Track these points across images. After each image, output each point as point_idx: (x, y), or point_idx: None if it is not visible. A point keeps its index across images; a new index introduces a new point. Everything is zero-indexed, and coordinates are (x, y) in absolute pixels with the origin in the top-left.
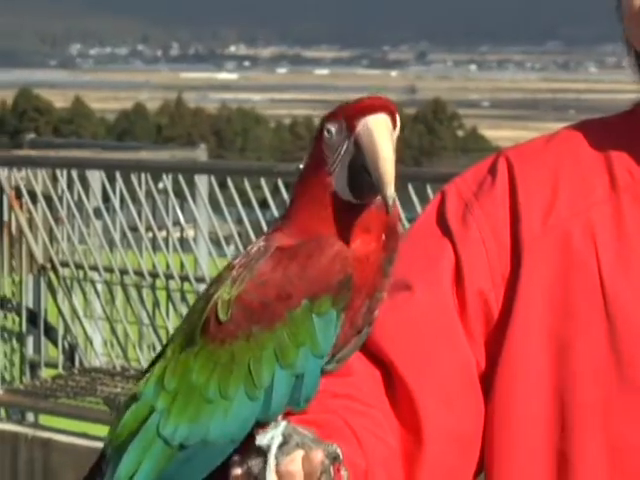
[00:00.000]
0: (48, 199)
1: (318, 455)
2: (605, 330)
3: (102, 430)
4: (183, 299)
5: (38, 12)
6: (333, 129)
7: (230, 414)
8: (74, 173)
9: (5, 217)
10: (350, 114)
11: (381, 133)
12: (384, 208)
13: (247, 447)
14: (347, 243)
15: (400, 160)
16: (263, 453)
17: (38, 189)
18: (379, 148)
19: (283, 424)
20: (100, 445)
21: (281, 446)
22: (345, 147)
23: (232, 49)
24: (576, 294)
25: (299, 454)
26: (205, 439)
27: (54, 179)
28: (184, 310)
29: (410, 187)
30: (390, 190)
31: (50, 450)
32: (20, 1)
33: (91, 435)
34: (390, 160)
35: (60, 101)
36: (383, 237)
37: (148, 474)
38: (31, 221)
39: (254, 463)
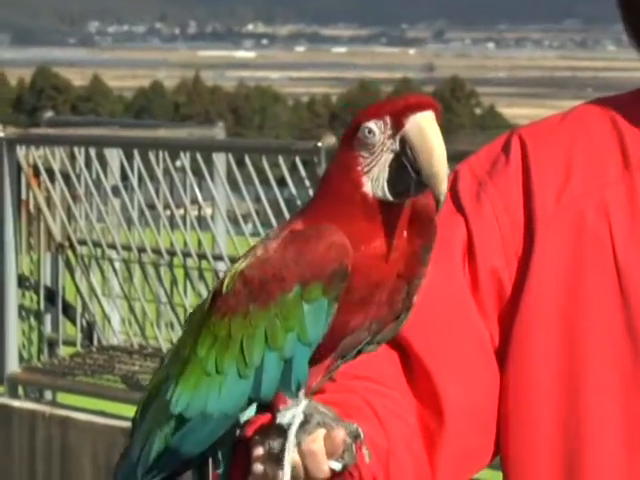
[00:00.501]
0: (66, 177)
1: (340, 434)
2: (620, 308)
3: (120, 408)
4: (201, 277)
5: None
6: (375, 128)
7: (224, 389)
8: (92, 151)
9: (23, 195)
10: (396, 112)
11: (432, 130)
12: (435, 204)
13: (267, 426)
14: (366, 240)
15: None
16: (284, 432)
17: (56, 167)
18: (432, 145)
19: (304, 402)
20: (118, 423)
21: (302, 425)
22: (388, 145)
23: (250, 27)
24: (590, 273)
25: (321, 433)
26: (202, 411)
27: (72, 157)
28: (202, 288)
29: None
30: (444, 187)
31: (68, 428)
32: None
33: (109, 413)
34: (444, 157)
35: (78, 79)
36: (405, 234)
37: (159, 439)
38: (49, 199)
39: (275, 442)
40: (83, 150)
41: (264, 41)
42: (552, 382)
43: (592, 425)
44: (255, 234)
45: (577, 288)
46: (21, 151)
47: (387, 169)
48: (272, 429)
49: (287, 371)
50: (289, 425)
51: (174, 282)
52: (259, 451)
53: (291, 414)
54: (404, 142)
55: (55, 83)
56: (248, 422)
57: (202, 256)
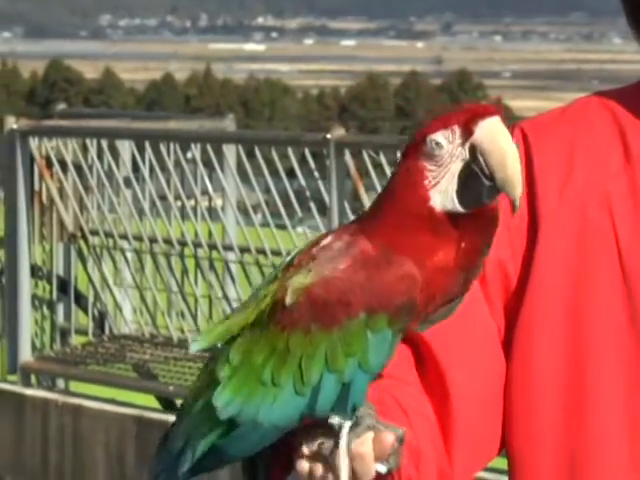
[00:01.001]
0: (78, 168)
1: (389, 438)
2: (624, 299)
3: (131, 396)
4: (211, 267)
5: None
6: (443, 139)
7: (278, 401)
8: (104, 143)
9: (36, 186)
10: (464, 120)
11: (503, 134)
12: (511, 208)
13: (312, 425)
14: (433, 256)
15: None
16: (332, 432)
17: (68, 158)
18: (505, 149)
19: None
20: (129, 411)
21: (352, 427)
22: (457, 155)
23: (260, 20)
24: (594, 265)
25: (370, 436)
26: (253, 420)
27: (84, 149)
28: (212, 278)
29: None
30: (519, 190)
31: (80, 416)
32: None
33: (120, 401)
34: (517, 160)
35: (90, 72)
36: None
37: (201, 438)
38: (61, 190)
39: (324, 443)
40: (95, 142)
41: (274, 34)
42: (557, 373)
43: (596, 415)
44: (265, 224)
45: (581, 280)
46: (34, 142)
47: (456, 179)
48: (319, 428)
49: (344, 394)
50: (340, 426)
51: (185, 272)
52: (305, 451)
53: (340, 418)
54: (474, 149)
55: (67, 76)
56: None
57: (212, 246)
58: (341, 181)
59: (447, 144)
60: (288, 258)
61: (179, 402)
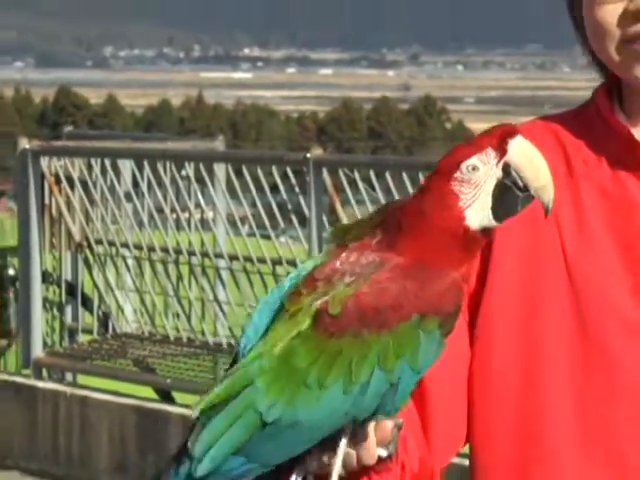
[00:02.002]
0: (84, 184)
1: (389, 425)
2: (572, 301)
3: (132, 388)
4: (203, 273)
5: (74, 18)
6: (479, 163)
7: (323, 403)
8: (107, 161)
9: (46, 200)
10: (496, 142)
11: (533, 149)
12: (545, 212)
13: None
14: (461, 270)
15: (395, 150)
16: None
17: (75, 175)
18: (537, 162)
19: None
20: (130, 401)
21: None
22: (490, 174)
23: (246, 51)
24: (542, 267)
25: (372, 423)
26: (295, 421)
27: (89, 167)
28: (204, 283)
29: (404, 174)
30: (552, 195)
31: (86, 406)
32: (58, 7)
33: (123, 393)
34: (548, 170)
35: (95, 98)
36: None
37: (231, 442)
38: (69, 204)
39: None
40: (99, 160)
41: (259, 64)
42: (513, 366)
43: (549, 412)
44: (251, 234)
45: (532, 282)
46: (44, 161)
47: (491, 196)
48: None
49: (390, 394)
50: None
51: (180, 277)
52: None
53: None
54: (508, 166)
55: (74, 101)
56: None
57: (204, 254)
58: (319, 196)
59: (483, 166)
60: (290, 278)
61: (175, 394)
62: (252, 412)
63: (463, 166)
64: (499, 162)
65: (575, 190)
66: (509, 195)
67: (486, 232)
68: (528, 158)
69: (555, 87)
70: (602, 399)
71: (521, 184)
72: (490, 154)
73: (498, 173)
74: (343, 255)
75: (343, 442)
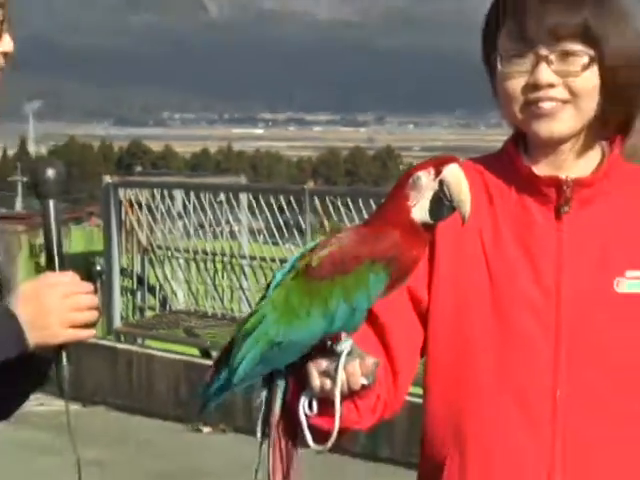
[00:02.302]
0: (149, 207)
1: (370, 362)
2: (489, 284)
3: (183, 349)
4: (232, 268)
5: (140, 90)
6: (423, 176)
7: (309, 326)
8: (165, 191)
9: (122, 218)
10: (437, 165)
11: (461, 173)
12: (461, 220)
13: (323, 354)
14: (409, 246)
15: (365, 183)
16: (336, 357)
17: (143, 201)
18: (463, 183)
19: (350, 341)
20: (182, 357)
21: (348, 354)
22: (430, 186)
23: (261, 115)
24: (470, 262)
25: (357, 361)
26: (292, 339)
27: (152, 195)
28: (232, 276)
29: (372, 201)
30: (469, 209)
31: (151, 361)
32: (128, 82)
33: (176, 351)
34: (468, 190)
35: (156, 147)
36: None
37: (255, 355)
38: (138, 221)
39: (330, 363)
40: (159, 191)
41: (270, 123)
42: (449, 334)
43: (476, 360)
44: (266, 243)
45: (463, 276)
46: (121, 191)
47: (429, 202)
48: (324, 359)
49: (351, 317)
50: (341, 352)
51: (215, 271)
52: (316, 371)
53: (342, 346)
54: (442, 183)
55: (142, 149)
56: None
57: (232, 255)
58: (312, 216)
59: (425, 179)
60: (294, 257)
61: (213, 352)
62: (265, 337)
63: (413, 177)
64: (436, 178)
65: (493, 212)
66: (440, 203)
67: (427, 227)
68: (456, 179)
69: (476, 140)
70: (511, 355)
71: (448, 197)
72: (431, 171)
73: (435, 186)
74: (332, 236)
75: (340, 370)
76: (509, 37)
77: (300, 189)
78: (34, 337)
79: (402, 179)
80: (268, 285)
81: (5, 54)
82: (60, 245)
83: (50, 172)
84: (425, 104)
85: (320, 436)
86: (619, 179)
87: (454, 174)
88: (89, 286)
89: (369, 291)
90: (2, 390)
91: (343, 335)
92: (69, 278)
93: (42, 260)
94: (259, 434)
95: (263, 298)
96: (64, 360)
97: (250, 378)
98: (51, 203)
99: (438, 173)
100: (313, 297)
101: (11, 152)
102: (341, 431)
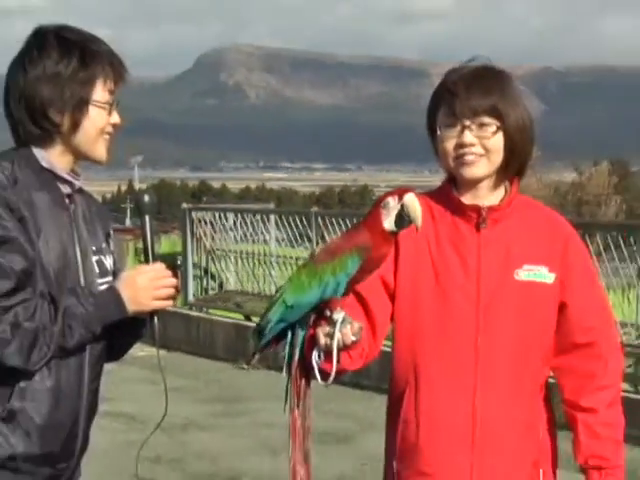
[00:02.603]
0: (211, 223)
1: (356, 325)
2: (435, 278)
3: (233, 315)
4: (264, 263)
5: (206, 146)
6: (391, 200)
7: (309, 293)
8: (221, 213)
9: (194, 231)
10: (400, 193)
11: (415, 200)
12: (415, 230)
13: (323, 320)
14: (379, 246)
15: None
16: (333, 323)
17: (207, 219)
18: (416, 206)
19: (342, 312)
20: (232, 321)
21: (342, 322)
22: (396, 207)
23: (283, 164)
24: (421, 261)
25: (348, 325)
26: (299, 303)
27: (214, 216)
28: (265, 268)
29: (355, 220)
30: (420, 222)
31: (212, 324)
32: (198, 140)
33: (228, 316)
34: (420, 211)
35: (216, 185)
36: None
37: (278, 314)
38: (204, 232)
39: (330, 328)
40: (218, 213)
41: (289, 170)
42: (408, 306)
43: (424, 324)
44: (286, 246)
45: (416, 271)
46: (194, 214)
47: (394, 217)
48: (328, 322)
49: (336, 288)
50: (337, 320)
51: (254, 265)
52: (321, 333)
53: (338, 315)
54: (402, 205)
55: (207, 186)
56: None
57: (265, 254)
58: (316, 229)
59: (392, 203)
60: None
61: (253, 317)
62: (283, 302)
63: (385, 201)
64: (399, 202)
65: (435, 227)
66: (402, 218)
67: (392, 234)
68: (412, 203)
69: (422, 181)
70: (448, 318)
71: (407, 214)
72: (396, 197)
73: (398, 207)
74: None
75: (337, 332)
76: (444, 114)
77: (309, 212)
78: (131, 307)
79: (376, 203)
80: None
81: (114, 125)
82: (152, 246)
83: (146, 198)
84: (389, 158)
85: (325, 375)
86: (517, 206)
87: (411, 199)
88: (169, 273)
89: (347, 270)
90: (116, 341)
91: (337, 307)
92: (156, 268)
93: (142, 258)
94: (284, 373)
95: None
96: (155, 320)
97: (276, 329)
98: (147, 218)
99: (401, 199)
100: (312, 275)
101: (123, 189)
102: (339, 371)
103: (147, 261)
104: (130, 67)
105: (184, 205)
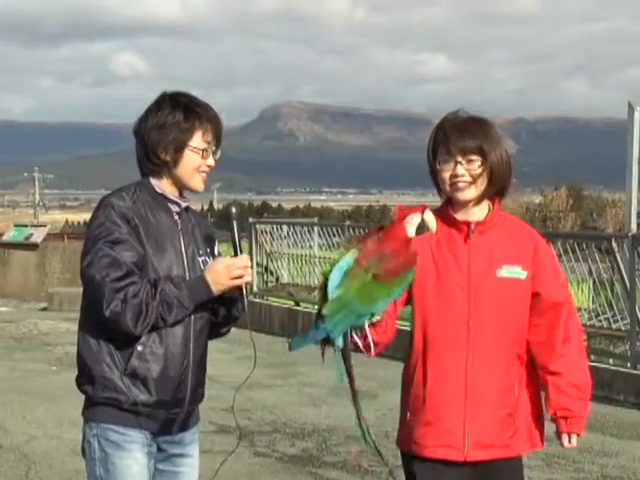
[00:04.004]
0: (270, 233)
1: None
2: (436, 273)
3: (286, 301)
4: (310, 262)
5: (268, 176)
6: (415, 216)
7: (380, 306)
8: (278, 226)
9: (258, 238)
10: (422, 209)
11: (432, 215)
12: (434, 233)
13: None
14: (409, 250)
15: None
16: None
17: (268, 231)
18: (433, 218)
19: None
20: (286, 306)
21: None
22: (416, 220)
23: (324, 189)
24: (426, 261)
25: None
26: (372, 313)
27: (272, 227)
28: (311, 266)
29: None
30: (435, 230)
31: (270, 308)
32: (262, 171)
33: (283, 302)
34: (435, 223)
35: (274, 204)
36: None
37: (346, 322)
38: (265, 239)
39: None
40: (276, 226)
41: (328, 193)
42: (419, 296)
43: (430, 312)
44: (326, 250)
45: (422, 269)
46: (258, 226)
47: (415, 227)
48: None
49: (391, 299)
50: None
51: (302, 264)
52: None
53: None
54: (423, 219)
55: (267, 206)
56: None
57: (311, 256)
58: (348, 237)
59: (416, 217)
60: (344, 262)
61: (301, 303)
62: (359, 315)
63: (410, 216)
64: (421, 215)
65: (437, 237)
66: (421, 228)
67: (411, 239)
68: (430, 217)
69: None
70: (447, 306)
71: (427, 225)
72: (418, 213)
73: (419, 220)
74: (361, 247)
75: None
76: (442, 152)
77: (343, 225)
78: (214, 287)
79: (399, 218)
80: (324, 272)
81: (209, 166)
82: (239, 244)
83: (233, 209)
84: (402, 185)
85: (365, 349)
86: (497, 220)
87: (429, 214)
88: (244, 261)
89: (406, 285)
90: (222, 321)
91: None
92: (235, 258)
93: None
94: (338, 350)
95: (325, 277)
96: (244, 294)
97: (341, 330)
98: (234, 223)
99: (423, 213)
100: (381, 292)
101: (205, 207)
102: (376, 344)
103: (235, 255)
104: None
105: (250, 219)
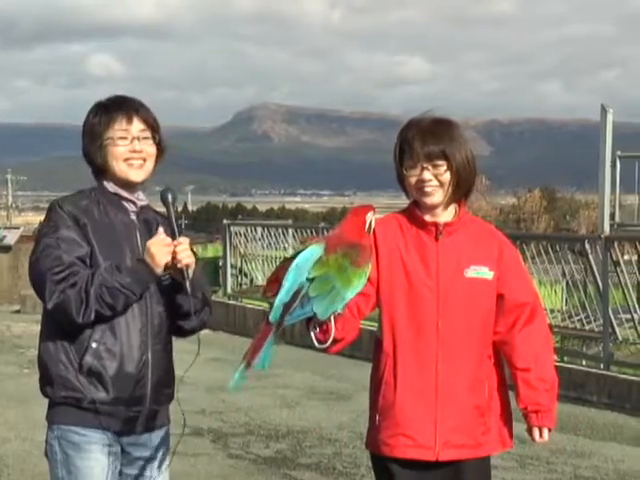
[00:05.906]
0: (245, 235)
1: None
2: (405, 274)
3: (260, 303)
4: None
5: (243, 179)
6: (370, 214)
7: (357, 290)
8: (252, 228)
9: (232, 240)
10: (373, 210)
11: (373, 216)
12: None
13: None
14: (362, 241)
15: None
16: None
17: (242, 232)
18: (373, 218)
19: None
20: (259, 308)
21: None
22: (371, 219)
23: (298, 191)
24: (394, 262)
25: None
26: (350, 297)
27: (246, 229)
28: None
29: None
30: (372, 228)
31: (244, 310)
32: (236, 174)
33: (256, 304)
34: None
35: (249, 206)
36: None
37: (330, 306)
38: (239, 241)
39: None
40: (250, 228)
41: (302, 195)
42: (387, 295)
43: (399, 309)
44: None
45: (391, 268)
46: (232, 228)
47: (369, 224)
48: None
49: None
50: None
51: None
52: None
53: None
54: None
55: (241, 208)
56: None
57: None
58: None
59: (371, 215)
60: (308, 253)
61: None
62: (343, 298)
63: (367, 215)
64: (372, 214)
65: (404, 238)
66: (370, 227)
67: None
68: (373, 219)
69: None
70: (416, 305)
71: (371, 225)
72: (372, 212)
73: (373, 218)
74: (324, 241)
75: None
76: (407, 159)
77: (317, 226)
78: (153, 266)
79: (360, 216)
80: (285, 258)
81: (135, 151)
82: (174, 228)
83: (169, 194)
84: (375, 186)
85: (320, 341)
86: (464, 222)
87: (372, 216)
88: (184, 243)
89: (365, 278)
90: (183, 323)
91: None
92: (175, 240)
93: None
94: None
95: (284, 261)
96: (186, 278)
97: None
98: (171, 207)
99: (373, 213)
100: (359, 277)
101: (180, 209)
102: (334, 340)
103: (174, 238)
104: (188, 119)
105: (225, 221)
